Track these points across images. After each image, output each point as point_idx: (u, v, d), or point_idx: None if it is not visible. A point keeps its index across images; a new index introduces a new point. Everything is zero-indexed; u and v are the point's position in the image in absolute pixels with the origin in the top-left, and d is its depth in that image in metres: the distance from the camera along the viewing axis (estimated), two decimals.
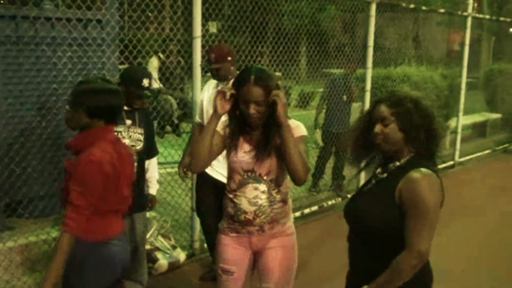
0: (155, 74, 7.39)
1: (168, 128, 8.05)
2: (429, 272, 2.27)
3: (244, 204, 2.61)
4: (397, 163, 2.21)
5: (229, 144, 2.65)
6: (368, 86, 6.71)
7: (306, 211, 6.09)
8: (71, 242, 2.39)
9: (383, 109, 2.20)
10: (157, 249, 4.67)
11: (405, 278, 2.07)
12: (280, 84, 2.65)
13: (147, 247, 4.67)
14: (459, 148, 8.87)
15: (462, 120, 9.08)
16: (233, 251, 2.75)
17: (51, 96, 4.21)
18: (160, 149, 6.50)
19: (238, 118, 2.63)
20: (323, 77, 7.34)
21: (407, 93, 2.30)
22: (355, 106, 7.03)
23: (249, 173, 2.61)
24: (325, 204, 6.33)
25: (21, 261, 4.15)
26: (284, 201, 2.70)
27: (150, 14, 5.10)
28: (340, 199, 6.53)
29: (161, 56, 7.48)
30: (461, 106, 8.83)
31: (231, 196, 2.67)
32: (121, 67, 4.68)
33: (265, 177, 2.60)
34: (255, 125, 2.59)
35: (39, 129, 4.19)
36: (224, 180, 3.65)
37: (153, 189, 3.72)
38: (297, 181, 2.55)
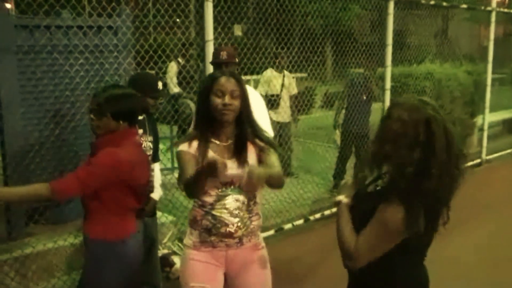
0: (174, 79, 7.42)
1: (189, 131, 8.05)
2: (424, 282, 2.21)
3: (225, 216, 2.50)
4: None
5: (201, 158, 2.50)
6: (388, 84, 6.60)
7: (327, 212, 6.02)
8: (42, 193, 2.41)
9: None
10: (174, 253, 4.68)
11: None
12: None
13: (165, 251, 4.69)
14: (486, 146, 8.67)
15: (490, 117, 8.88)
16: (206, 266, 2.58)
17: (64, 104, 4.26)
18: None
19: (207, 124, 2.56)
20: (346, 77, 7.27)
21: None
22: (376, 106, 6.95)
23: (227, 185, 2.51)
24: None
25: (39, 267, 4.20)
26: (259, 214, 2.66)
27: (169, 20, 5.12)
28: None
29: (180, 60, 7.51)
30: (487, 103, 8.62)
31: (206, 209, 2.53)
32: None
33: (242, 188, 2.54)
34: (227, 120, 2.51)
35: (53, 137, 4.25)
36: None
37: (156, 194, 3.71)
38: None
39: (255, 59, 5.82)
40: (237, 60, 3.94)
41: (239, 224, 2.52)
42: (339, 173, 6.89)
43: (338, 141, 6.81)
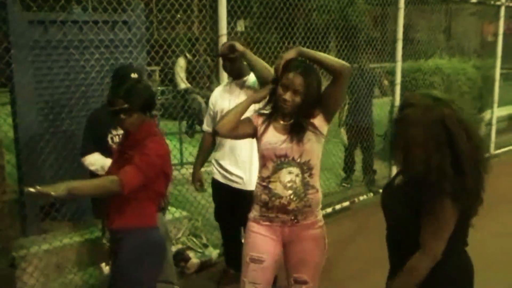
0: (182, 74, 7.41)
1: (197, 127, 8.08)
2: (470, 268, 2.23)
3: (279, 189, 2.63)
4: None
5: (261, 131, 2.70)
6: (398, 79, 6.60)
7: (337, 207, 6.02)
8: (112, 188, 2.44)
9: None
10: (189, 248, 4.67)
11: (418, 278, 2.06)
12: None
13: (179, 246, 4.68)
14: (494, 141, 8.65)
15: (498, 112, 8.85)
16: (265, 239, 2.74)
17: (80, 99, 4.25)
18: (189, 148, 6.56)
19: (273, 103, 2.72)
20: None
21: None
22: (386, 100, 6.94)
23: (282, 158, 2.64)
24: (356, 200, 6.24)
25: (56, 263, 4.20)
26: (316, 188, 2.74)
27: (178, 15, 5.10)
28: (372, 194, 6.44)
29: (188, 55, 7.49)
30: (496, 98, 8.60)
31: (264, 183, 2.68)
32: (149, 68, 4.71)
33: (298, 160, 2.64)
34: (287, 112, 2.65)
35: (69, 132, 4.24)
36: (238, 186, 3.69)
37: None
38: (338, 75, 2.62)
39: (260, 54, 5.80)
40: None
41: (292, 196, 2.63)
42: (349, 166, 6.96)
43: (345, 139, 6.85)
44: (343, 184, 6.94)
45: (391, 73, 6.71)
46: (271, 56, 6.66)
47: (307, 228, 2.73)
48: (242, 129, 2.73)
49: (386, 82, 6.72)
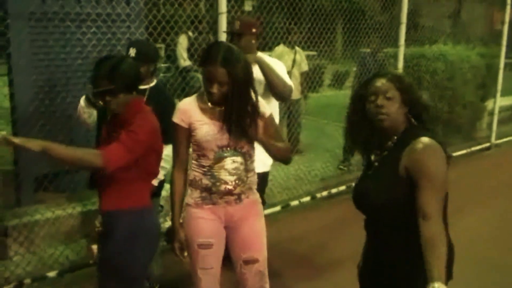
0: (184, 53, 7.37)
1: None
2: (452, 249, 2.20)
3: (223, 175, 2.61)
4: (394, 138, 2.16)
5: (197, 124, 2.59)
6: (401, 64, 6.55)
7: (334, 190, 6.02)
8: (94, 162, 2.35)
9: (385, 83, 2.14)
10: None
11: (442, 249, 1.93)
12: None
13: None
14: (495, 130, 8.60)
15: (500, 102, 8.79)
16: (210, 222, 2.69)
17: (76, 72, 4.26)
18: None
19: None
20: (358, 56, 7.22)
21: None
22: None
23: (224, 148, 2.60)
24: (353, 184, 6.22)
25: (48, 234, 4.24)
26: (254, 171, 2.76)
27: None
28: None
29: (190, 34, 7.45)
30: (499, 87, 8.53)
31: (205, 169, 2.62)
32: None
33: (239, 150, 2.63)
34: (216, 103, 2.56)
35: (64, 105, 4.24)
36: None
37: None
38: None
39: (267, 34, 5.78)
40: (254, 30, 3.68)
41: (237, 181, 2.64)
42: (348, 149, 6.93)
43: None
44: (340, 167, 6.94)
45: (394, 57, 6.67)
46: (277, 37, 6.64)
47: (249, 205, 2.74)
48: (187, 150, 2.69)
49: (388, 67, 6.68)
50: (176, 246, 2.70)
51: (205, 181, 2.63)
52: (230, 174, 2.61)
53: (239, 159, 2.63)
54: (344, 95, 7.53)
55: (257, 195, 2.83)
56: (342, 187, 6.12)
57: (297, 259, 4.45)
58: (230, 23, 4.02)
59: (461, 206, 5.21)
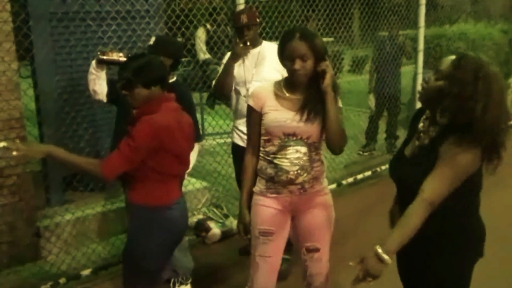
0: (203, 46, 7.34)
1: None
2: (480, 229, 2.23)
3: (285, 164, 2.61)
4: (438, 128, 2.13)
5: (269, 107, 2.63)
6: (421, 46, 6.45)
7: (359, 176, 5.98)
8: (93, 171, 2.48)
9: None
10: (210, 218, 4.71)
11: (413, 227, 2.02)
12: (327, 48, 2.63)
13: (200, 216, 4.73)
14: None
15: None
16: (273, 211, 2.72)
17: None
18: (209, 119, 6.56)
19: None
20: (375, 40, 7.14)
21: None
22: (409, 69, 6.83)
23: (290, 137, 2.60)
24: (378, 169, 6.19)
25: (79, 233, 4.29)
26: (321, 161, 2.73)
27: None
28: None
29: (208, 26, 7.42)
30: None
31: (269, 158, 2.65)
32: None
33: (305, 140, 2.61)
34: (300, 82, 2.58)
35: (88, 104, 4.26)
36: None
37: None
38: (333, 150, 2.66)
39: (285, 23, 5.72)
40: (258, 20, 3.79)
41: (299, 171, 2.61)
42: (371, 133, 6.94)
43: (372, 106, 6.80)
44: (359, 152, 6.91)
45: (414, 39, 6.58)
46: (291, 25, 6.58)
47: (314, 196, 2.72)
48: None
49: (409, 49, 6.59)
50: (240, 227, 2.84)
51: (269, 170, 2.66)
52: (292, 164, 2.60)
53: (303, 149, 2.60)
54: (364, 80, 7.47)
55: (324, 185, 2.80)
56: (368, 173, 6.08)
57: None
58: (234, 18, 3.98)
59: (493, 182, 5.12)
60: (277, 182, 2.66)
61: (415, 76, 6.62)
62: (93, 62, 3.42)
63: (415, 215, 2.03)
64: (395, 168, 2.35)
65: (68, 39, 4.15)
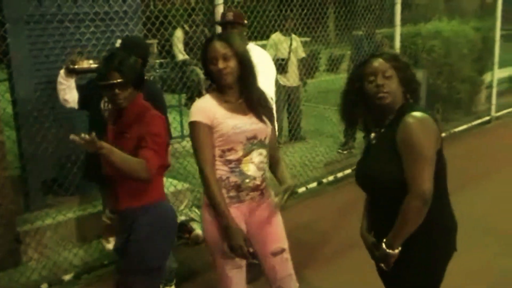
0: (180, 46, 7.33)
1: (197, 99, 7.98)
2: (450, 218, 2.27)
3: (252, 170, 2.56)
4: (391, 116, 2.21)
5: (221, 117, 2.53)
6: (397, 44, 6.55)
7: (339, 174, 6.03)
8: (140, 174, 2.41)
9: (382, 62, 2.19)
10: (192, 219, 4.70)
11: (413, 223, 2.08)
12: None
13: (182, 218, 4.71)
14: (495, 103, 8.61)
15: (498, 74, 8.79)
16: (238, 221, 2.55)
17: None
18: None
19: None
20: (352, 39, 7.20)
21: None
22: None
23: (252, 140, 2.56)
24: None
25: (60, 237, 4.24)
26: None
27: None
28: None
29: (186, 27, 7.40)
30: (496, 59, 8.53)
31: (232, 166, 2.54)
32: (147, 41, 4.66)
33: (264, 142, 2.63)
34: (229, 83, 2.53)
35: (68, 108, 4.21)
36: None
37: None
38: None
39: (264, 23, 5.74)
40: (245, 21, 3.82)
41: (263, 176, 2.63)
42: (349, 131, 6.94)
43: None
44: (338, 150, 6.96)
45: (390, 38, 6.65)
46: (268, 25, 6.59)
47: (266, 199, 2.71)
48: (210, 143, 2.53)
49: (386, 48, 6.66)
50: (240, 248, 2.51)
51: (233, 179, 2.55)
52: (258, 168, 2.58)
53: (264, 151, 2.61)
54: (341, 79, 7.52)
55: (270, 189, 2.78)
56: (348, 171, 6.12)
57: (307, 246, 4.43)
58: (221, 15, 4.00)
59: (466, 180, 5.22)
60: (243, 190, 2.57)
61: None
62: (62, 72, 3.39)
63: (411, 209, 2.07)
64: (358, 168, 2.43)
65: (46, 41, 4.10)
